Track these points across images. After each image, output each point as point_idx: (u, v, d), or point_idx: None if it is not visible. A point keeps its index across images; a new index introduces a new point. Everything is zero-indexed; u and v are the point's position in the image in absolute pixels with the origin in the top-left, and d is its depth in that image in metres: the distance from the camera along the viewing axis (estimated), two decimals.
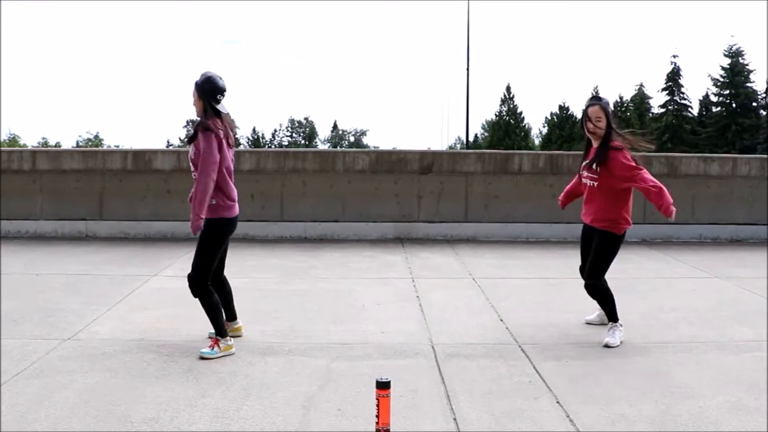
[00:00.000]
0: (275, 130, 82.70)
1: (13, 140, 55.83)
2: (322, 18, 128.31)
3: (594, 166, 4.56)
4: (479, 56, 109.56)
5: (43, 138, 64.04)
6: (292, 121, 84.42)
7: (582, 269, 4.82)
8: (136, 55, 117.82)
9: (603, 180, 4.53)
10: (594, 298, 4.71)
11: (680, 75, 54.50)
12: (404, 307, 5.52)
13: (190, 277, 4.27)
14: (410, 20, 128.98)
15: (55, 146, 53.33)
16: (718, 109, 52.49)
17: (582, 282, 4.76)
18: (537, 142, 62.52)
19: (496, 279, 6.64)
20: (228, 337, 4.30)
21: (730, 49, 52.36)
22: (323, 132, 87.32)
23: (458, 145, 69.13)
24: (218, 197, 4.20)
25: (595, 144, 4.62)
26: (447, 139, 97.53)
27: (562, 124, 57.33)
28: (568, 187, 5.10)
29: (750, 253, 8.27)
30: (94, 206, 9.03)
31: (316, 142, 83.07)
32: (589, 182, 4.66)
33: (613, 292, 6.10)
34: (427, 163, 9.19)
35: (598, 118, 4.51)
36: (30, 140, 60.59)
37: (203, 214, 4.10)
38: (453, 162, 9.31)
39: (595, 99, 4.60)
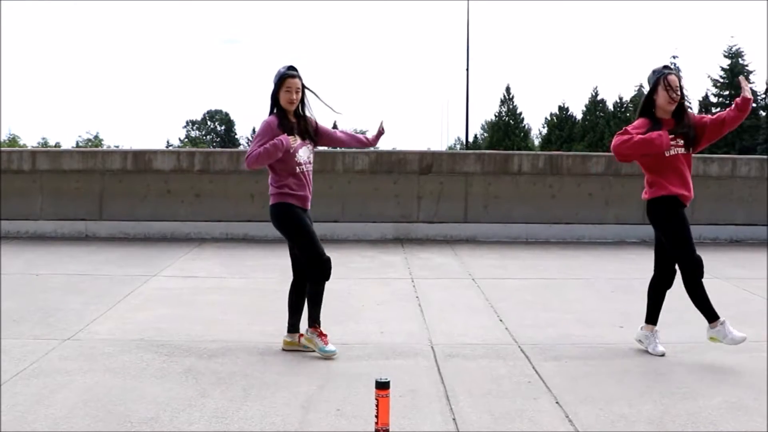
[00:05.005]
0: None
1: (13, 140, 55.75)
2: (321, 18, 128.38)
3: (689, 134, 4.26)
4: (479, 56, 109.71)
5: (43, 138, 64.06)
6: None
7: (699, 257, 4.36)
8: (136, 55, 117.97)
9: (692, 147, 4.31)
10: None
11: (680, 76, 54.48)
12: (404, 307, 5.52)
13: (309, 264, 4.30)
14: (410, 20, 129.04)
15: (55, 146, 53.30)
16: (718, 109, 52.47)
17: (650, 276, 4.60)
18: (537, 142, 62.51)
19: (495, 279, 6.64)
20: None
21: (730, 49, 52.36)
22: None
23: (458, 146, 69.12)
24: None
25: (665, 115, 4.30)
26: (447, 139, 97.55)
27: (562, 125, 57.34)
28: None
29: (750, 254, 8.27)
30: (94, 206, 9.03)
31: None
32: (681, 150, 4.28)
33: (613, 293, 6.14)
34: (426, 163, 9.19)
35: (677, 87, 4.25)
36: (30, 140, 60.59)
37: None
38: (453, 162, 9.31)
39: (669, 68, 4.35)
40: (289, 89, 4.26)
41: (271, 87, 4.29)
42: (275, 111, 4.32)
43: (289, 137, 4.22)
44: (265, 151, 4.17)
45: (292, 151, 4.24)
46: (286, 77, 4.25)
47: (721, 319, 4.30)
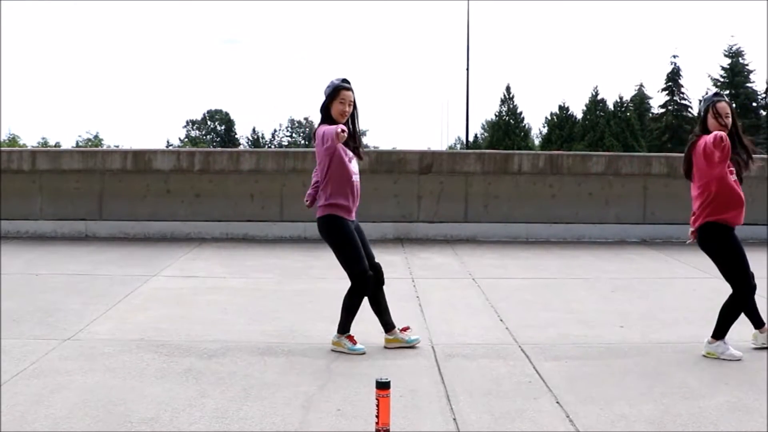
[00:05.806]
0: (275, 130, 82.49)
1: (13, 140, 55.64)
2: (321, 18, 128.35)
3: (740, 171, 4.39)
4: (479, 56, 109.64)
5: (43, 138, 63.82)
6: (292, 121, 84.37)
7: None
8: (136, 54, 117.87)
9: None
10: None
11: (680, 75, 54.42)
12: (404, 306, 5.51)
13: (352, 279, 4.36)
14: (410, 20, 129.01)
15: (55, 146, 53.19)
16: None
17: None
18: (537, 142, 62.41)
19: (495, 279, 6.64)
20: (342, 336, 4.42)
21: (730, 49, 52.29)
22: None
23: (458, 145, 69.00)
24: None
25: None
26: (447, 139, 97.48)
27: (562, 125, 57.20)
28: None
29: (749, 253, 8.20)
30: (94, 206, 9.03)
31: None
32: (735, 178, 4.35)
33: (614, 292, 6.14)
34: (426, 163, 9.19)
35: (727, 114, 4.30)
36: (30, 140, 60.44)
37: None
38: (453, 162, 9.31)
39: (719, 95, 4.39)
40: (343, 101, 4.31)
41: (321, 99, 4.34)
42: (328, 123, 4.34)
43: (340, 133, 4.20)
44: (330, 132, 4.14)
45: (343, 153, 4.32)
46: (341, 89, 4.31)
47: (726, 338, 4.35)
